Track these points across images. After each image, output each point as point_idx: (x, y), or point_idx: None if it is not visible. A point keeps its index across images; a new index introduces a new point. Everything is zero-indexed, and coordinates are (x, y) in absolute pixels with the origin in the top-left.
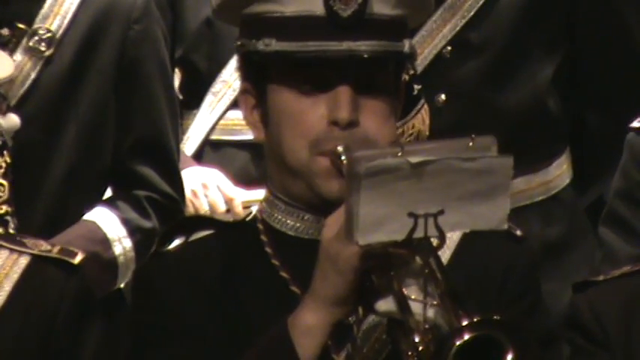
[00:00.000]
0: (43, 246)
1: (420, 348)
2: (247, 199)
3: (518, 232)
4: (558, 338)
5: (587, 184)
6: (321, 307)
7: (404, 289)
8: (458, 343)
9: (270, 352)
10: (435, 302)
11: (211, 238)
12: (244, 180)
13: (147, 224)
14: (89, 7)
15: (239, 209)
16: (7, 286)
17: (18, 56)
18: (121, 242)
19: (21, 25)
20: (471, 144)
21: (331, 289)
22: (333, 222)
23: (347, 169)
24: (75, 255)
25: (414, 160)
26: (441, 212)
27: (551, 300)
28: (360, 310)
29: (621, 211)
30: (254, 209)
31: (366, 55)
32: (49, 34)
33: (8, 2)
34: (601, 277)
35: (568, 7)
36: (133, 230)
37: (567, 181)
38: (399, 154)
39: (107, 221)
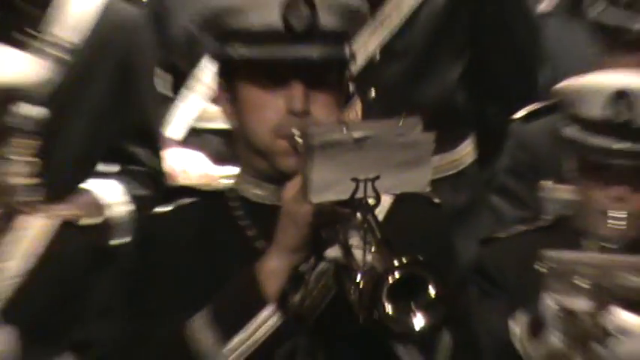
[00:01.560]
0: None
1: (361, 285)
2: (222, 175)
3: (435, 200)
4: (467, 282)
5: (487, 162)
6: (283, 254)
7: (348, 240)
8: (391, 279)
9: (240, 291)
10: (372, 249)
11: (193, 204)
12: (220, 160)
13: (143, 192)
14: (97, 16)
15: (216, 182)
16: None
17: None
18: (121, 206)
19: (31, 31)
20: (400, 123)
21: (290, 239)
22: (292, 187)
23: (302, 144)
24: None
25: (356, 135)
26: (378, 177)
27: (460, 253)
28: (312, 260)
29: (508, 183)
30: (228, 182)
31: (315, 59)
32: (58, 40)
33: (14, 7)
34: (502, 234)
35: (471, 20)
36: (132, 197)
37: (472, 159)
38: (345, 130)
39: (109, 189)
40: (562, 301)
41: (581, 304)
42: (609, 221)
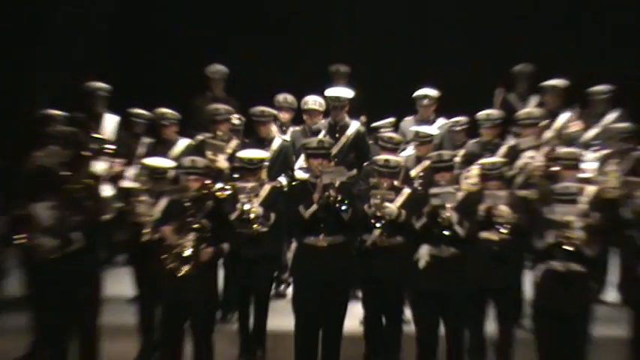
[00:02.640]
0: None
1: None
2: None
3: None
4: None
5: None
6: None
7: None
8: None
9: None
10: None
11: None
12: None
13: None
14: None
15: None
16: None
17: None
18: None
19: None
20: (337, 168)
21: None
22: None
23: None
24: None
25: (328, 170)
26: (334, 180)
27: None
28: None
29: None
30: None
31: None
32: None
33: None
34: None
35: (355, 142)
36: None
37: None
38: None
39: None
40: None
41: None
42: None
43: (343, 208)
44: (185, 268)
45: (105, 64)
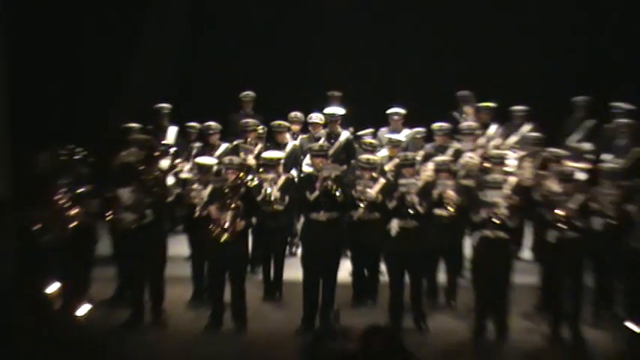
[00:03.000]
0: None
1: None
2: None
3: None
4: None
5: None
6: None
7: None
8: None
9: None
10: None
11: None
12: None
13: None
14: None
15: None
16: None
17: None
18: None
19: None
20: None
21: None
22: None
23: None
24: None
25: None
26: (332, 173)
27: None
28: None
29: None
30: None
31: None
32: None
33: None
34: None
35: (346, 144)
36: None
37: None
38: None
39: None
40: None
41: None
42: None
43: (337, 193)
44: (225, 236)
45: (168, 90)
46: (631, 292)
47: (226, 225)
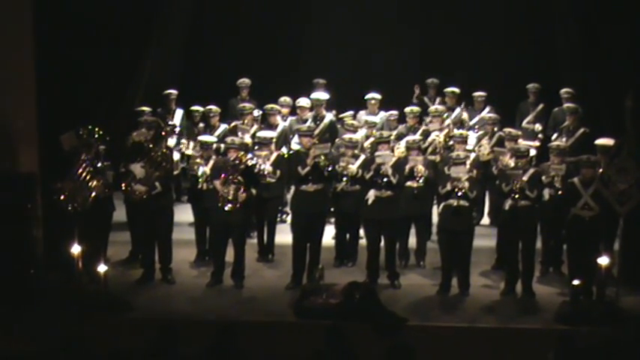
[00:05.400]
0: None
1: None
2: None
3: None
4: None
5: None
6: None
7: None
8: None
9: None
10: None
11: None
12: None
13: None
14: None
15: None
16: None
17: None
18: None
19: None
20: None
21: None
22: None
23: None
24: None
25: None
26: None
27: None
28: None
29: None
30: None
31: None
32: None
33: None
34: None
35: (329, 127)
36: None
37: None
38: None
39: None
40: None
41: None
42: None
43: (329, 169)
44: (229, 206)
45: (175, 78)
46: (573, 253)
47: (230, 197)
